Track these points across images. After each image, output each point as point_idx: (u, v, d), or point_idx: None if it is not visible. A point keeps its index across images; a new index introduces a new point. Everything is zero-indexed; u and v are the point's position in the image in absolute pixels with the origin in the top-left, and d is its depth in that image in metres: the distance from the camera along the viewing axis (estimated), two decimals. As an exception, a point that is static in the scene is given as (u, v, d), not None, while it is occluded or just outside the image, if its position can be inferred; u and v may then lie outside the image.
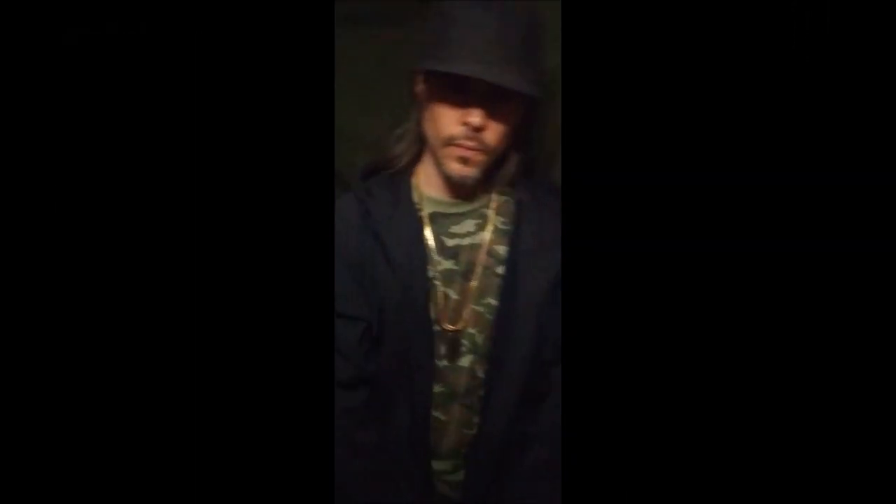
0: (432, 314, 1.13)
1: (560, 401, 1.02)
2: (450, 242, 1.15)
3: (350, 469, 1.11)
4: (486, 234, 1.15)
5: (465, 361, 1.13)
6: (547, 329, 1.12)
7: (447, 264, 1.14)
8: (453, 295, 1.14)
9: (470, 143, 1.06)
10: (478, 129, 1.05)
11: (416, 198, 1.16)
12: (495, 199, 1.17)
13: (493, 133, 1.07)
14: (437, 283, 1.13)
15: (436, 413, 1.14)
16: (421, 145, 1.16)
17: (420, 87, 1.10)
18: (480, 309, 1.14)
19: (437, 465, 1.16)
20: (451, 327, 1.13)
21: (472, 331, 1.13)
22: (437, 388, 1.13)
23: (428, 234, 1.15)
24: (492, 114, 1.05)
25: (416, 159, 1.17)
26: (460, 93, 1.05)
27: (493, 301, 1.13)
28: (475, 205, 1.17)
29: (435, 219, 1.16)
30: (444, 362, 1.14)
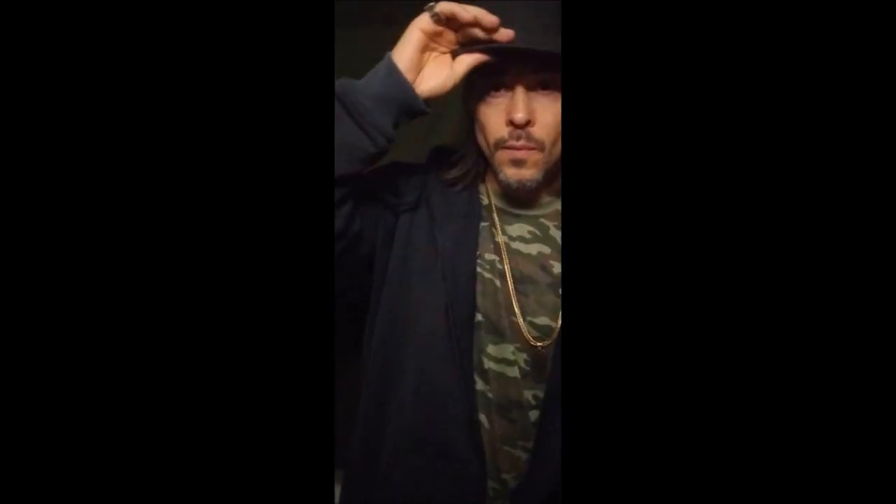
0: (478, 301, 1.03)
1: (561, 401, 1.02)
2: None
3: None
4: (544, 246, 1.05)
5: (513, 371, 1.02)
6: None
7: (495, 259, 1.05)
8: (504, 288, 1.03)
9: (520, 143, 0.97)
10: (524, 126, 0.96)
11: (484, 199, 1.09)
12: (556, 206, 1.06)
13: (543, 127, 0.97)
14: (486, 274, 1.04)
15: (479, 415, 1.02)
16: (480, 162, 1.08)
17: (472, 101, 1.02)
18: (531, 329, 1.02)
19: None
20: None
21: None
22: (478, 387, 1.03)
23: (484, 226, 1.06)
24: (536, 106, 0.96)
25: (476, 178, 1.10)
26: (500, 79, 0.96)
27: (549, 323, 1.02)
28: (535, 211, 1.07)
29: (495, 213, 1.07)
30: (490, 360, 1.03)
